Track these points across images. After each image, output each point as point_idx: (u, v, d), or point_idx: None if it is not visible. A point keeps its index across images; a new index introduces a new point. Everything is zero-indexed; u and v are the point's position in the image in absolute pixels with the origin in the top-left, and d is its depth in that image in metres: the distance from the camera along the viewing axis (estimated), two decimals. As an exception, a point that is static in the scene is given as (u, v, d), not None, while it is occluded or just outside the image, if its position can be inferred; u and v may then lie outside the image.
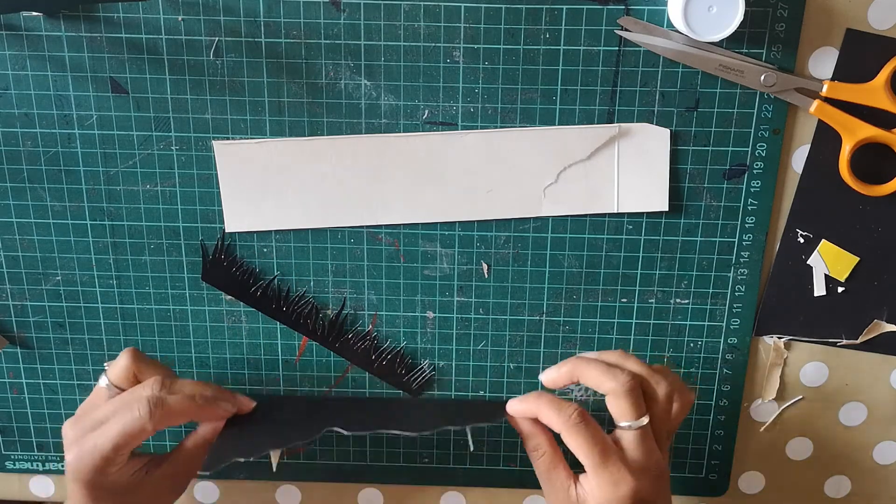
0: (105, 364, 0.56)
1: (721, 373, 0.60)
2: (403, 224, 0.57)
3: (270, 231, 0.57)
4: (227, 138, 0.55)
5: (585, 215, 0.57)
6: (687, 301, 0.59)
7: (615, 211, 0.56)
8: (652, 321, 0.59)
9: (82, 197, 0.57)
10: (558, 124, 0.55)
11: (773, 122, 0.54)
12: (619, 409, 0.50)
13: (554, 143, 0.55)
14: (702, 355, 0.60)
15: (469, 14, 0.52)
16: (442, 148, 0.55)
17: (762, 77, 0.52)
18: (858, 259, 0.57)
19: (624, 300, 0.59)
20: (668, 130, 0.55)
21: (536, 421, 0.52)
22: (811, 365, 0.60)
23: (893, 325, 0.59)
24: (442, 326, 0.60)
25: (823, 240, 0.57)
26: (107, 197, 0.57)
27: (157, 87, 0.54)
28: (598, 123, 0.55)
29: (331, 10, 0.52)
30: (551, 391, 0.57)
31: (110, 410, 0.51)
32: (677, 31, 0.52)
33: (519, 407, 0.52)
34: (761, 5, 0.52)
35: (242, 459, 0.50)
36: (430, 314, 0.59)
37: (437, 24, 0.53)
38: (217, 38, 0.53)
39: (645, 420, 0.50)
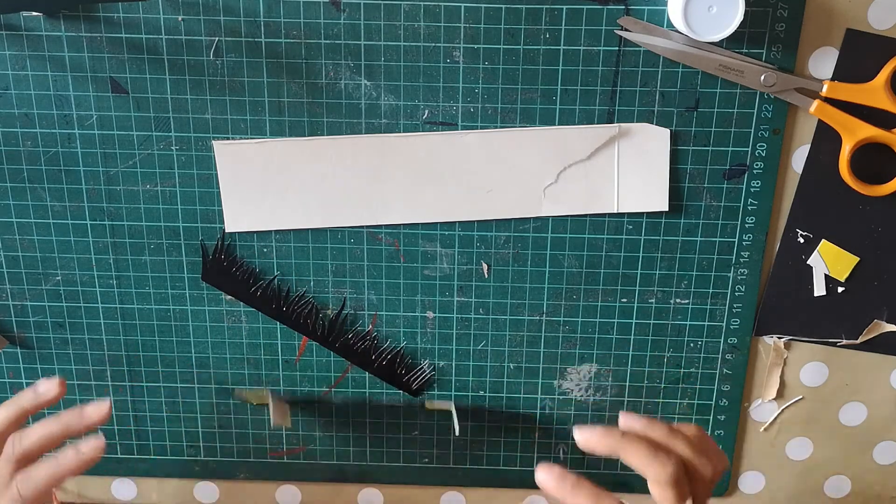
0: None
1: (721, 373, 0.60)
2: (403, 224, 0.57)
3: (270, 231, 0.57)
4: (227, 138, 0.55)
5: (585, 215, 0.57)
6: (687, 301, 0.59)
7: (615, 211, 0.56)
8: (652, 321, 0.59)
9: (82, 197, 0.57)
10: (558, 124, 0.55)
11: (773, 122, 0.54)
12: (664, 497, 0.47)
13: (554, 143, 0.55)
14: (702, 355, 0.60)
15: (469, 14, 0.52)
16: (442, 148, 0.55)
17: (762, 77, 0.52)
18: (858, 259, 0.57)
19: (624, 300, 0.59)
20: (668, 130, 0.55)
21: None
22: (811, 365, 0.60)
23: (893, 325, 0.59)
24: (442, 326, 0.60)
25: (823, 240, 0.57)
26: (107, 197, 0.57)
27: (157, 87, 0.54)
28: (598, 123, 0.55)
29: (331, 10, 0.52)
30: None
31: None
32: (677, 31, 0.52)
33: (596, 442, 0.48)
34: (761, 5, 0.52)
35: None
36: (430, 314, 0.59)
37: (437, 24, 0.53)
38: (217, 38, 0.53)
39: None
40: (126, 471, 0.65)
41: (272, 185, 0.56)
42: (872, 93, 0.52)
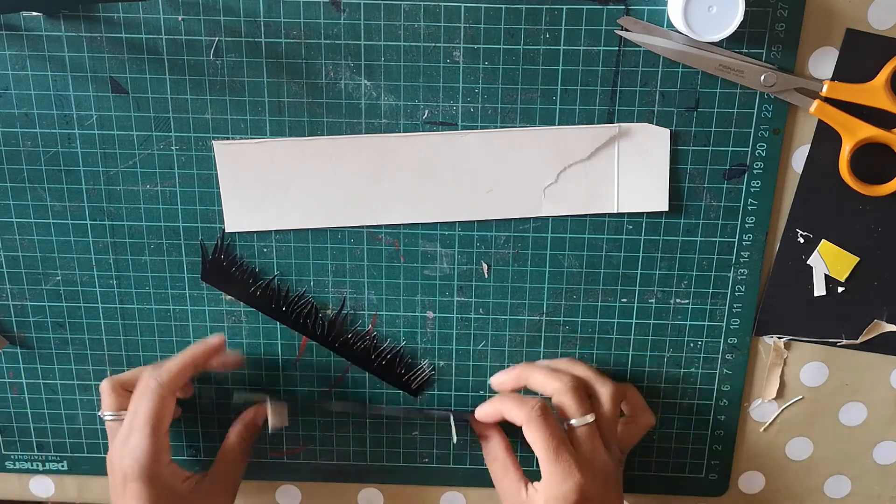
0: (99, 414, 0.58)
1: (721, 373, 0.60)
2: (403, 224, 0.57)
3: (270, 231, 0.57)
4: (227, 138, 0.55)
5: (585, 215, 0.57)
6: (687, 301, 0.59)
7: (615, 211, 0.56)
8: (652, 321, 0.59)
9: (82, 197, 0.57)
10: (558, 124, 0.55)
11: (773, 122, 0.54)
12: (564, 406, 0.53)
13: (554, 143, 0.55)
14: (702, 355, 0.60)
15: (469, 14, 0.52)
16: (442, 148, 0.55)
17: (762, 77, 0.52)
18: (858, 259, 0.57)
19: (624, 300, 0.59)
20: (668, 130, 0.55)
21: (493, 426, 0.57)
22: (811, 365, 0.60)
23: (893, 325, 0.59)
24: (442, 326, 0.60)
25: (823, 240, 0.57)
26: (107, 197, 0.57)
27: (157, 87, 0.54)
28: (598, 123, 0.55)
29: (331, 10, 0.52)
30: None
31: (130, 412, 0.54)
32: (677, 31, 0.52)
33: (486, 409, 0.56)
34: (761, 5, 0.52)
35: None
36: (430, 314, 0.59)
37: (437, 24, 0.53)
38: (217, 38, 0.53)
39: (590, 418, 0.53)
40: (126, 471, 0.65)
41: (272, 185, 0.56)
42: (872, 93, 0.52)
